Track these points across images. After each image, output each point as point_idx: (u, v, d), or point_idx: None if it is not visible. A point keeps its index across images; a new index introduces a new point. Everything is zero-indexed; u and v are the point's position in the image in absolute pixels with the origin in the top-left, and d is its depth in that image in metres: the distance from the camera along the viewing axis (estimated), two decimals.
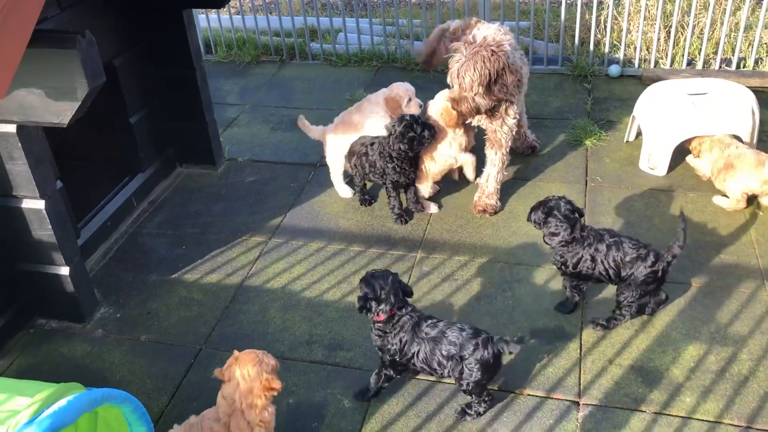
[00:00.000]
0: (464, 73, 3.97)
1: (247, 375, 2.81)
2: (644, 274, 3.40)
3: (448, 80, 4.17)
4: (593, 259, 3.47)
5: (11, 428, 2.40)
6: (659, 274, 3.42)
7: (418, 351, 3.08)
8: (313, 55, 6.96)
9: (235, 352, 2.90)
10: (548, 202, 3.55)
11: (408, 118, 4.22)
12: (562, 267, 3.57)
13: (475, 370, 3.00)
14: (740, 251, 4.04)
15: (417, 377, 3.41)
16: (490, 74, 3.93)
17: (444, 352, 3.04)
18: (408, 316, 3.12)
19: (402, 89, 4.64)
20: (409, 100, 4.63)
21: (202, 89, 4.92)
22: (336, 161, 4.75)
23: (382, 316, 3.11)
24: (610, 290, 3.75)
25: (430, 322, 3.12)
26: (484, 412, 3.18)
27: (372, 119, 4.68)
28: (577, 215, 3.51)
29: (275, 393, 2.85)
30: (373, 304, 3.11)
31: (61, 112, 3.08)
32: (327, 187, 4.92)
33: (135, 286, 4.14)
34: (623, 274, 3.44)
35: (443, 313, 3.72)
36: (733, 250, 4.07)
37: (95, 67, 3.00)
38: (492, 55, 3.91)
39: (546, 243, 3.56)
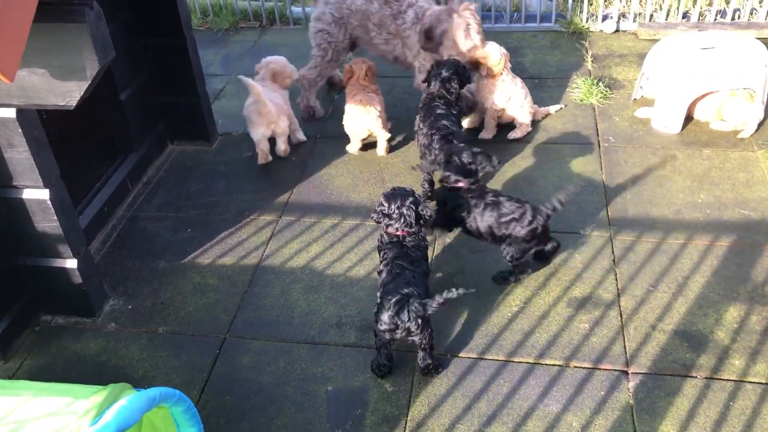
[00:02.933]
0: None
1: None
2: (523, 234, 3.46)
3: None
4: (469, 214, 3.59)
5: None
6: (538, 230, 3.48)
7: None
8: (295, 19, 6.65)
9: None
10: (453, 149, 3.71)
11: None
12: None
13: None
14: (763, 207, 4.00)
15: (458, 355, 3.29)
16: None
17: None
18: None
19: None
20: None
21: (193, 60, 4.62)
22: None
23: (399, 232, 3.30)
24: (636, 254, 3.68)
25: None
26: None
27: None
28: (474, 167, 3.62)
29: None
30: (386, 220, 3.30)
31: (68, 93, 2.79)
32: (331, 159, 4.71)
33: (143, 274, 3.90)
34: (497, 234, 3.53)
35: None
36: (755, 205, 4.02)
37: (105, 42, 2.72)
38: None
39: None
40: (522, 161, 4.54)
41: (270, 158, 4.69)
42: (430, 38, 4.48)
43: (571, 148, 4.61)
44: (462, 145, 3.81)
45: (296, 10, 6.69)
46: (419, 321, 2.97)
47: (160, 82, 4.67)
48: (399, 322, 2.97)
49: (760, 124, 4.58)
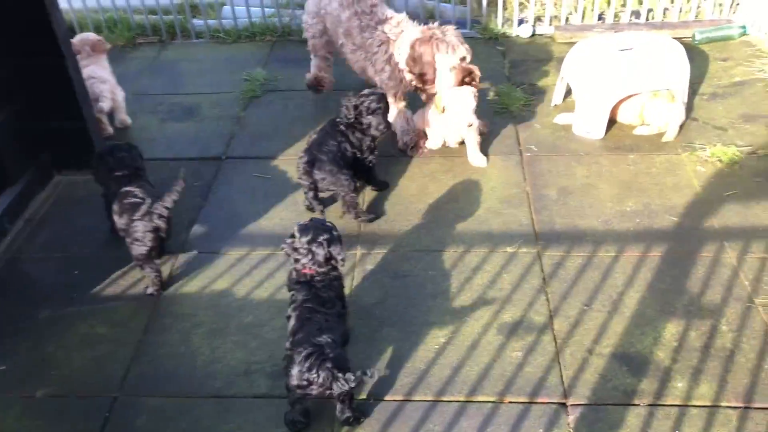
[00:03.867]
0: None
1: None
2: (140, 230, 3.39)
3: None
4: None
5: None
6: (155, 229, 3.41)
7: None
8: (197, 33, 6.22)
9: None
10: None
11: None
12: None
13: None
14: (692, 212, 3.84)
15: (383, 399, 2.95)
16: None
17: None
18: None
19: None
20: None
21: (75, 80, 4.15)
22: None
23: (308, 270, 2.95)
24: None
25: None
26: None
27: None
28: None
29: None
30: (294, 254, 2.95)
31: None
32: (239, 183, 4.32)
33: (22, 326, 3.40)
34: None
35: (395, 310, 3.29)
36: (684, 211, 3.86)
37: None
38: None
39: None
40: (442, 175, 4.26)
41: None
42: (418, 65, 4.20)
43: (492, 159, 4.37)
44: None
45: (198, 23, 6.26)
46: (335, 375, 2.61)
47: (40, 107, 4.17)
48: (312, 379, 2.61)
49: (683, 126, 4.46)
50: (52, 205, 4.22)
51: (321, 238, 2.91)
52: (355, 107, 3.90)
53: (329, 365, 2.58)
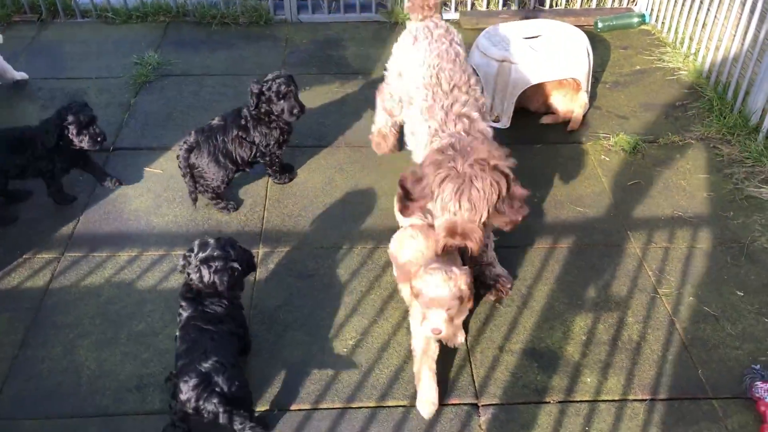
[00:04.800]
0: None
1: None
2: None
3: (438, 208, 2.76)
4: None
5: None
6: None
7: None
8: (83, 11, 5.74)
9: None
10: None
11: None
12: None
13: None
14: (597, 203, 3.86)
15: (288, 408, 2.78)
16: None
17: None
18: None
19: None
20: None
21: None
22: None
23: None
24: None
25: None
26: None
27: None
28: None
29: None
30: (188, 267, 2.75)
31: None
32: (127, 175, 3.99)
33: None
34: None
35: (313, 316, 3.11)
36: (590, 202, 3.87)
37: None
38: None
39: None
40: (350, 167, 4.09)
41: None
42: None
43: (398, 153, 4.23)
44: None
45: (83, 0, 5.77)
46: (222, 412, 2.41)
47: None
48: (201, 408, 2.40)
49: (586, 115, 4.48)
50: None
51: (217, 262, 2.68)
52: (260, 94, 3.64)
53: (215, 400, 2.37)
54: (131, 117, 4.50)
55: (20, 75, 4.78)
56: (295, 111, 3.65)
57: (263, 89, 3.61)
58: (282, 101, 3.61)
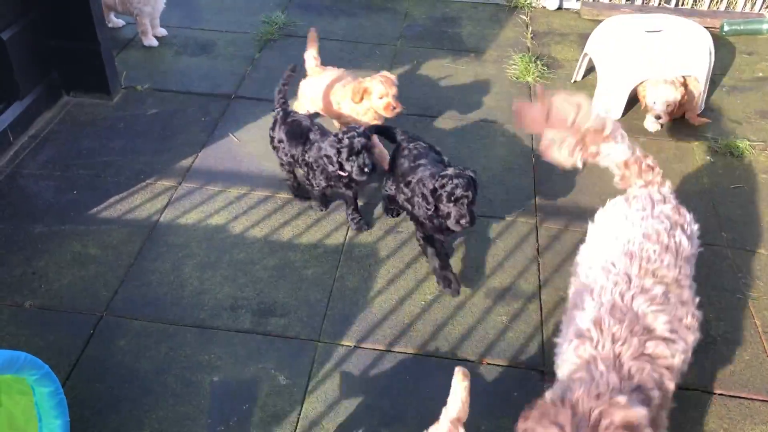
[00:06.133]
0: None
1: None
2: None
3: None
4: None
5: None
6: None
7: None
8: None
9: None
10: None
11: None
12: None
13: None
14: (696, 202, 3.81)
15: (362, 346, 2.98)
16: None
17: None
18: None
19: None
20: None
21: (92, 0, 4.10)
22: None
23: None
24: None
25: None
26: None
27: None
28: None
29: None
30: None
31: None
32: (245, 122, 4.29)
33: (16, 239, 3.42)
34: None
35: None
36: (688, 201, 3.81)
37: None
38: None
39: None
40: (449, 137, 4.23)
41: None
42: None
43: (503, 127, 4.33)
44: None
45: None
46: None
47: (54, 24, 4.13)
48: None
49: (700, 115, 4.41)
50: (57, 124, 4.21)
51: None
52: (433, 191, 3.04)
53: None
54: (254, 70, 4.82)
55: (161, 32, 5.16)
56: (463, 221, 2.99)
57: (436, 186, 3.03)
58: (452, 205, 2.99)
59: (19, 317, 3.04)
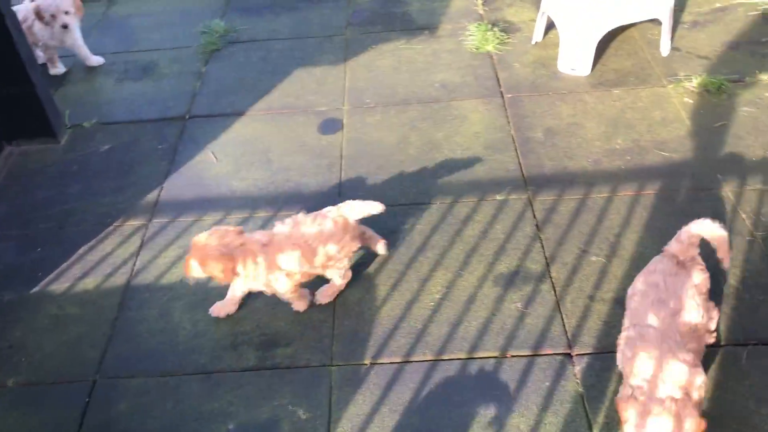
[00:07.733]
0: None
1: None
2: None
3: None
4: None
5: None
6: None
7: None
8: None
9: None
10: None
11: None
12: None
13: None
14: (683, 146, 3.71)
15: (379, 362, 2.80)
16: None
17: None
18: None
19: None
20: None
21: (18, 41, 3.80)
22: None
23: None
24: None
25: None
26: None
27: None
28: None
29: None
30: None
31: None
32: (204, 142, 4.05)
33: None
34: None
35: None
36: (674, 146, 3.73)
37: None
38: None
39: None
40: (422, 123, 4.05)
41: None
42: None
43: (473, 102, 4.17)
44: None
45: None
46: None
47: None
48: None
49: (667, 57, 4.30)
50: (5, 179, 3.92)
51: None
52: None
53: None
54: (203, 85, 4.56)
55: (97, 60, 4.86)
56: None
57: None
58: None
59: (5, 398, 2.79)
